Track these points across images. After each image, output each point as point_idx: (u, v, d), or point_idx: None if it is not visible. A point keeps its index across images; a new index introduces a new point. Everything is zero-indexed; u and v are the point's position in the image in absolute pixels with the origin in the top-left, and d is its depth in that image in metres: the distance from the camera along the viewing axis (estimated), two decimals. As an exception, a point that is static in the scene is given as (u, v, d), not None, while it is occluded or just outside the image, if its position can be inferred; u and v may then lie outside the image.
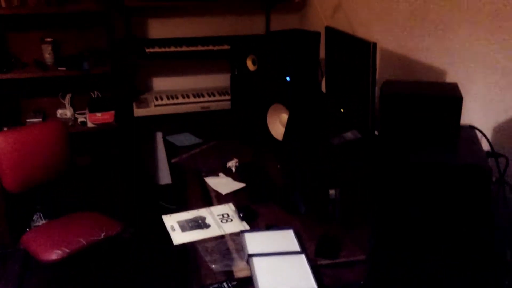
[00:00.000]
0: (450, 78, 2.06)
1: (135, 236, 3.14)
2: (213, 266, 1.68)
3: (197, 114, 3.34)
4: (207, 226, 1.95)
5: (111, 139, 3.37)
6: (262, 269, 1.64)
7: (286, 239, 1.83)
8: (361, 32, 2.77)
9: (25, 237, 2.47)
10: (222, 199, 2.17)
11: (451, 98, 1.31)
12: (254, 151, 2.65)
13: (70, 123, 3.21)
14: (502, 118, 1.79)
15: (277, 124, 2.63)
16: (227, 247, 1.81)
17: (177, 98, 3.36)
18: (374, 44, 1.85)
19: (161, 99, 3.33)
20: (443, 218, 1.24)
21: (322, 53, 2.74)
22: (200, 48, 3.31)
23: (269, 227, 1.93)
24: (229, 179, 2.34)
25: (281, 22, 3.64)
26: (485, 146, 1.64)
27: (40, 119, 3.18)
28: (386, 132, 1.36)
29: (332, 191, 1.95)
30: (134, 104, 3.26)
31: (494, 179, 1.45)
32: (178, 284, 2.80)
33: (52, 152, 2.69)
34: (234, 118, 2.93)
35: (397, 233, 1.30)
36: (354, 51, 2.05)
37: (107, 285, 2.86)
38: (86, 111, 3.25)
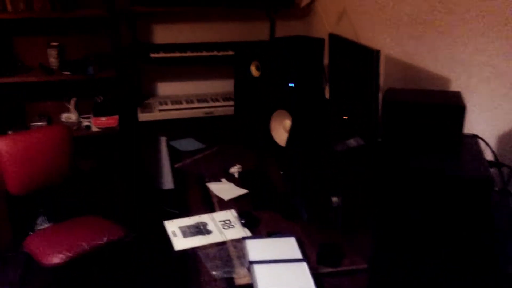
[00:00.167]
0: (454, 87, 2.06)
1: (137, 240, 3.14)
2: (213, 272, 1.68)
3: (200, 119, 3.35)
4: (208, 232, 1.95)
5: (115, 144, 3.37)
6: (263, 277, 1.63)
7: (288, 246, 1.82)
8: (366, 39, 2.77)
9: (28, 240, 2.47)
10: (224, 205, 2.17)
11: (454, 106, 1.30)
12: (257, 157, 2.65)
13: (74, 127, 3.22)
14: (506, 127, 1.78)
15: (281, 130, 2.63)
16: (228, 253, 1.81)
17: (181, 103, 3.36)
18: (378, 52, 1.85)
19: (165, 104, 3.34)
20: (444, 225, 1.23)
21: (327, 60, 2.74)
22: (204, 53, 3.32)
23: (271, 234, 1.93)
24: (232, 185, 2.34)
25: (286, 29, 3.65)
26: (489, 156, 1.64)
27: (45, 123, 3.20)
28: (388, 139, 1.36)
29: (334, 199, 1.94)
30: (138, 109, 3.27)
31: (497, 189, 1.44)
32: (179, 290, 2.80)
33: (55, 156, 2.70)
34: (237, 124, 2.93)
35: (398, 238, 1.29)
36: (357, 58, 2.05)
37: (109, 290, 2.86)
38: (91, 115, 3.26)
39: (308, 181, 2.09)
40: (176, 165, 2.61)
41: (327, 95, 2.74)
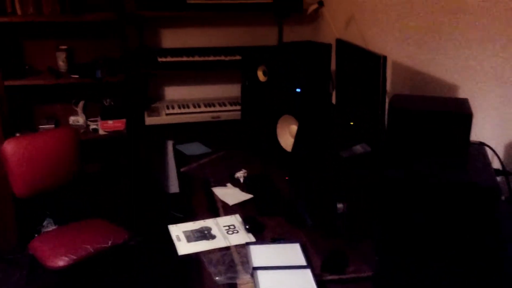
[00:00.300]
0: (462, 93, 2.04)
1: (142, 244, 3.14)
2: (217, 278, 1.67)
3: (207, 123, 3.35)
4: (212, 237, 1.94)
5: (122, 147, 3.38)
6: (266, 283, 1.62)
7: (292, 252, 1.81)
8: (374, 45, 2.76)
9: (33, 243, 2.48)
10: (229, 210, 2.16)
11: (461, 114, 1.28)
12: (263, 162, 2.64)
13: (82, 130, 3.23)
14: (514, 135, 1.76)
15: (287, 135, 2.62)
16: (232, 259, 1.80)
17: (188, 107, 3.37)
18: (384, 58, 1.84)
19: (172, 108, 3.35)
20: (449, 232, 1.21)
21: (334, 65, 2.73)
22: (212, 58, 3.32)
23: (275, 240, 1.91)
24: (237, 190, 2.33)
25: (294, 34, 3.64)
26: (496, 164, 1.62)
27: (53, 126, 3.21)
28: (393, 146, 1.35)
29: (340, 205, 1.92)
30: (145, 113, 3.28)
31: (504, 197, 1.42)
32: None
33: (62, 159, 2.71)
34: (244, 129, 2.92)
35: (402, 244, 1.28)
36: (364, 64, 2.04)
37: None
38: (98, 119, 3.27)
39: (313, 187, 2.07)
40: (182, 169, 2.61)
41: (334, 101, 2.73)
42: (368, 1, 2.81)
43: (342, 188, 1.93)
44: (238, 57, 3.34)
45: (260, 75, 2.73)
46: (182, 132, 3.32)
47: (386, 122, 1.94)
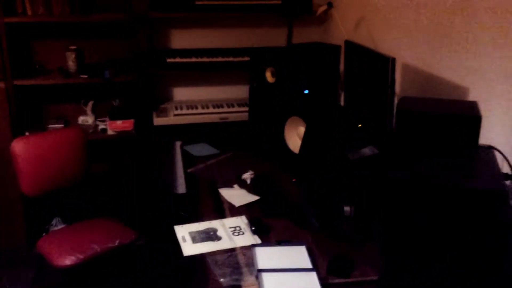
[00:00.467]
0: (472, 96, 2.01)
1: (149, 244, 3.14)
2: (221, 280, 1.66)
3: (215, 124, 3.34)
4: (218, 238, 1.93)
5: (130, 147, 3.39)
6: (271, 285, 1.61)
7: (298, 255, 1.80)
8: (383, 46, 2.74)
9: (41, 241, 2.50)
10: (235, 211, 2.15)
11: (469, 116, 1.26)
12: (270, 164, 2.63)
13: (90, 130, 3.24)
14: (525, 138, 1.73)
15: (295, 137, 2.61)
16: (237, 261, 1.79)
17: (196, 108, 3.37)
18: (393, 60, 1.82)
19: (181, 108, 3.35)
20: (455, 235, 1.19)
21: (343, 67, 2.72)
22: (220, 59, 3.32)
23: (281, 242, 1.90)
24: (244, 191, 2.33)
25: (303, 35, 3.63)
26: (506, 168, 1.59)
27: (62, 125, 3.23)
28: (401, 149, 1.33)
29: (347, 208, 1.91)
30: (154, 113, 3.28)
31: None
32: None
33: (70, 158, 2.72)
34: (251, 130, 2.91)
35: (406, 246, 1.26)
36: (373, 66, 2.02)
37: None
38: (107, 119, 3.28)
39: (320, 189, 2.06)
40: (189, 170, 2.61)
41: (342, 102, 2.71)
42: (377, 2, 2.79)
43: (349, 191, 1.91)
44: (246, 58, 3.33)
45: (268, 77, 2.73)
46: (190, 133, 3.32)
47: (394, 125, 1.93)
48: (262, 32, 3.56)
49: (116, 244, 2.49)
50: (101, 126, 3.26)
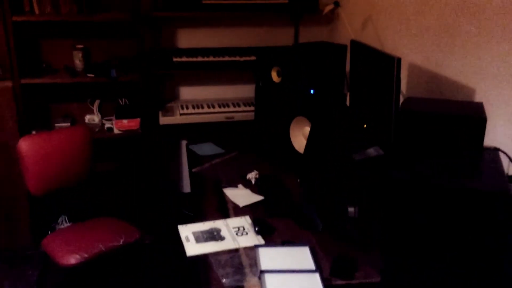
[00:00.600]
0: (479, 97, 1.99)
1: (154, 243, 3.15)
2: (224, 280, 1.66)
3: (221, 124, 3.34)
4: (221, 238, 1.93)
5: (136, 146, 3.40)
6: (273, 286, 1.60)
7: (301, 256, 1.79)
8: (390, 46, 2.72)
9: (46, 240, 2.51)
10: (239, 211, 2.15)
11: (473, 118, 1.25)
12: (275, 164, 2.62)
13: (97, 129, 3.26)
14: (532, 140, 1.70)
15: (300, 137, 2.60)
16: (240, 261, 1.78)
17: (202, 107, 3.37)
18: (399, 60, 1.80)
19: (187, 108, 3.35)
20: (458, 235, 1.18)
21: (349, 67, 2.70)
22: (226, 58, 3.31)
23: (285, 243, 1.89)
24: (248, 191, 2.32)
25: (310, 35, 3.61)
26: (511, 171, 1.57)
27: (69, 124, 3.24)
28: (403, 149, 1.31)
29: (351, 209, 1.89)
30: (160, 112, 3.29)
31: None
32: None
33: (76, 157, 2.73)
34: (257, 129, 2.91)
35: (408, 247, 1.25)
36: (378, 66, 2.00)
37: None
38: (113, 118, 3.29)
39: (324, 189, 2.05)
40: (194, 170, 2.60)
41: (348, 103, 2.70)
42: (384, 1, 2.77)
43: (354, 191, 1.90)
44: (253, 58, 3.32)
45: (274, 76, 2.71)
46: (196, 132, 3.32)
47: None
48: (268, 31, 3.56)
49: (121, 243, 2.50)
50: (107, 125, 3.27)
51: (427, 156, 1.29)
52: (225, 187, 2.35)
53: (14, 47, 2.90)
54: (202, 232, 1.97)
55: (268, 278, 1.64)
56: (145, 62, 3.20)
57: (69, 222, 3.26)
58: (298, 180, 2.41)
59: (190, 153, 2.89)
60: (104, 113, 3.40)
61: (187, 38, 3.45)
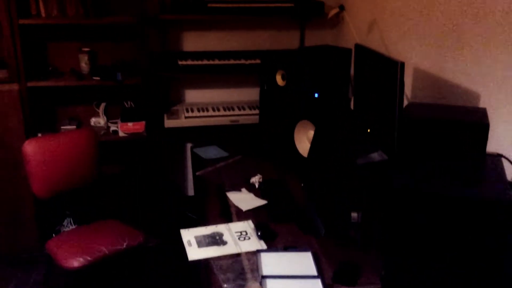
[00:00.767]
0: (484, 103, 1.97)
1: (158, 247, 3.15)
2: (225, 285, 1.65)
3: (226, 127, 3.34)
4: (224, 243, 1.92)
5: (141, 149, 3.40)
6: (274, 292, 1.60)
7: (303, 261, 1.78)
8: (395, 50, 2.70)
9: (50, 243, 2.51)
10: (242, 215, 2.14)
11: (476, 124, 1.23)
12: (279, 168, 2.61)
13: (102, 132, 3.27)
14: (537, 146, 1.68)
15: (304, 140, 2.59)
16: (242, 266, 1.78)
17: (207, 110, 3.37)
18: (402, 64, 1.79)
19: (192, 111, 3.35)
20: (454, 234, 1.16)
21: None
22: (232, 62, 3.31)
23: (287, 248, 1.88)
24: (251, 195, 2.31)
25: (316, 38, 3.61)
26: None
27: (75, 127, 3.26)
28: (405, 155, 1.30)
29: (354, 214, 1.88)
30: (165, 115, 3.29)
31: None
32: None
33: (81, 160, 2.74)
34: (261, 133, 2.90)
35: (406, 248, 1.24)
36: (382, 70, 1.99)
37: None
38: (118, 121, 3.30)
39: (327, 194, 2.03)
40: (198, 173, 2.60)
41: (352, 107, 2.68)
42: (389, 5, 2.75)
43: (357, 197, 1.89)
44: (258, 61, 3.32)
45: (279, 80, 2.71)
46: (201, 135, 3.32)
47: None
48: (274, 35, 3.55)
49: (124, 246, 2.50)
50: (113, 127, 3.28)
51: (430, 161, 1.28)
52: (229, 190, 2.35)
53: (21, 50, 2.91)
54: (204, 237, 1.97)
55: (270, 283, 1.63)
56: (150, 65, 3.21)
57: (75, 224, 3.27)
58: (302, 184, 2.40)
59: (194, 156, 2.89)
60: (109, 116, 3.41)
61: (192, 41, 3.46)
